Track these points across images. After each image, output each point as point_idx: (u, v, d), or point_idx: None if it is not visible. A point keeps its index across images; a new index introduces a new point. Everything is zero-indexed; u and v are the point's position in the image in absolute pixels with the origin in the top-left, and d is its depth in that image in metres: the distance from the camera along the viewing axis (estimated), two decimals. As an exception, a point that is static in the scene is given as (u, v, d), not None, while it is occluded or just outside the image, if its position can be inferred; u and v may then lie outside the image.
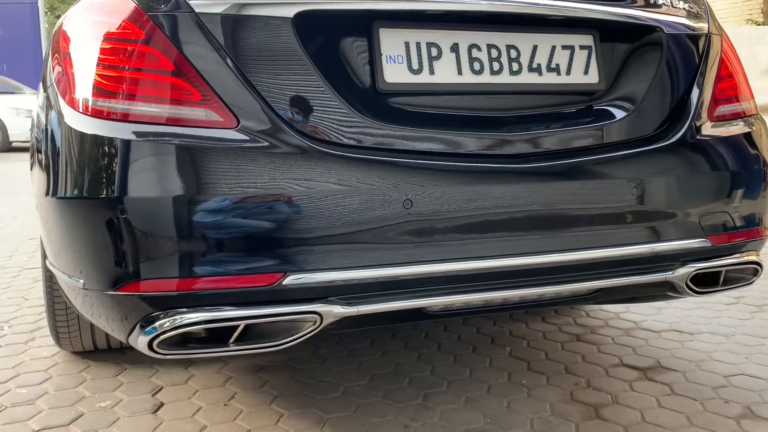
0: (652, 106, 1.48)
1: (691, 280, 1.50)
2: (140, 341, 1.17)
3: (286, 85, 1.21)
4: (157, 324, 1.15)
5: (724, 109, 1.57)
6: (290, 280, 1.16)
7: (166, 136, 1.15)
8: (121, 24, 1.20)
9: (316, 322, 1.20)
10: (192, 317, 1.15)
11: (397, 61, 1.30)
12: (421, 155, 1.27)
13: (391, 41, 1.30)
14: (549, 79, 1.41)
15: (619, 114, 1.46)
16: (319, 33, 1.25)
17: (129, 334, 1.20)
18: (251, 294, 1.16)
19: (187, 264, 1.15)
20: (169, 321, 1.15)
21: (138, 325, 1.17)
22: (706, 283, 1.55)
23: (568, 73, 1.43)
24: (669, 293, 1.54)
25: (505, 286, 1.32)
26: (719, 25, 1.68)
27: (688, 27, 1.55)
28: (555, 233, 1.34)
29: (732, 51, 1.69)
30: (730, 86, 1.62)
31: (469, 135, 1.32)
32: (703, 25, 1.58)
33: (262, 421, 1.64)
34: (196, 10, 1.18)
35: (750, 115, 1.64)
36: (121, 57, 1.17)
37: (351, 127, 1.24)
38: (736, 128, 1.59)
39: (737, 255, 1.55)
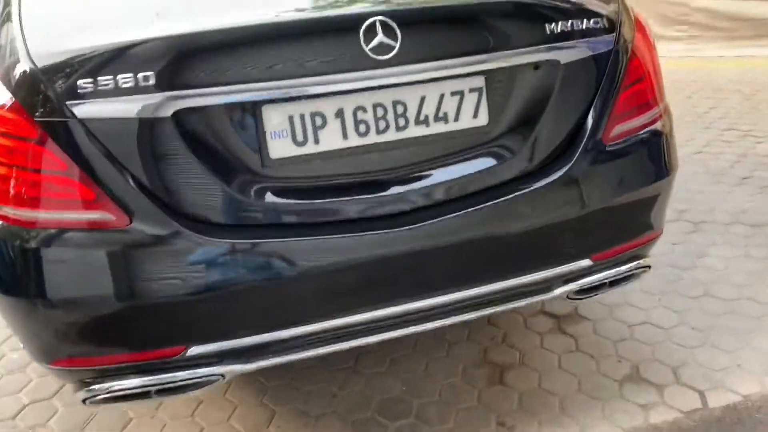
0: (543, 140, 1.51)
1: (573, 293, 1.66)
2: (78, 397, 1.41)
3: (173, 179, 1.29)
4: (87, 389, 1.38)
5: (622, 127, 1.59)
6: (192, 351, 1.36)
7: (69, 240, 1.27)
8: (8, 129, 1.26)
9: (223, 376, 1.42)
10: (114, 384, 1.37)
11: (282, 136, 1.35)
12: (309, 228, 1.38)
13: (275, 118, 1.33)
14: (437, 128, 1.44)
15: (508, 153, 1.50)
16: (199, 124, 1.29)
17: (74, 391, 1.44)
18: (161, 364, 1.37)
19: (103, 345, 1.35)
20: (97, 386, 1.38)
21: (75, 386, 1.41)
22: (592, 288, 1.71)
23: (456, 119, 1.46)
24: None
25: (391, 328, 1.50)
26: (631, 26, 1.63)
27: (587, 50, 1.51)
28: (448, 276, 1.48)
29: (646, 52, 1.66)
30: (634, 96, 1.62)
31: (356, 200, 1.40)
32: (606, 43, 1.54)
33: (214, 393, 1.94)
34: (81, 116, 1.23)
35: (654, 122, 1.66)
36: (12, 164, 1.26)
37: (240, 210, 1.34)
38: (635, 143, 1.62)
39: (620, 264, 1.69)
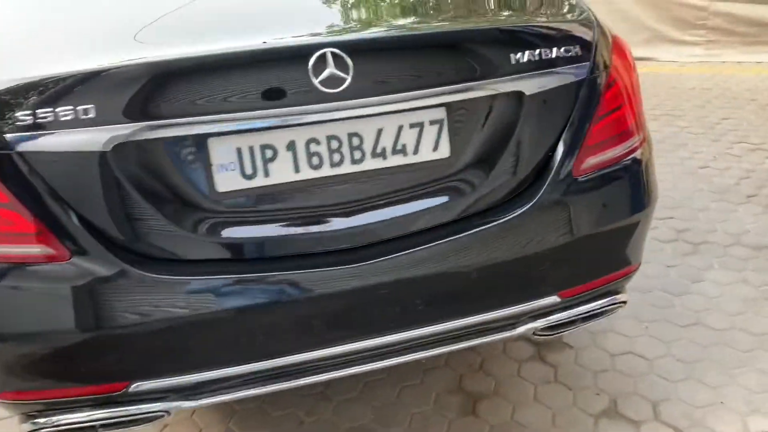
0: (507, 173, 1.45)
1: (542, 330, 1.60)
2: (23, 429, 1.39)
3: (114, 213, 1.26)
4: (32, 421, 1.37)
5: (595, 159, 1.52)
6: (135, 387, 1.33)
7: (8, 274, 1.25)
8: None
9: (168, 413, 1.39)
10: (60, 418, 1.35)
11: (229, 169, 1.31)
12: (257, 263, 1.34)
13: (222, 150, 1.29)
14: (395, 161, 1.39)
15: (470, 187, 1.44)
16: (141, 157, 1.26)
17: (20, 422, 1.42)
18: (105, 399, 1.34)
19: (46, 379, 1.32)
20: (42, 420, 1.36)
21: (21, 419, 1.39)
22: (562, 324, 1.64)
23: (415, 152, 1.40)
24: None
25: (343, 366, 1.46)
26: (609, 51, 1.56)
27: (555, 80, 1.45)
28: (404, 313, 1.44)
29: (625, 79, 1.59)
30: (610, 126, 1.55)
31: (308, 234, 1.36)
32: (577, 73, 1.47)
33: (178, 416, 1.92)
34: (21, 149, 1.21)
35: (632, 152, 1.59)
36: None
37: (183, 245, 1.31)
38: (610, 176, 1.55)
39: (592, 300, 1.62)
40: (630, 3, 5.37)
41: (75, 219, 1.25)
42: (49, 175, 1.23)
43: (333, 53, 1.27)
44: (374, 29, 1.36)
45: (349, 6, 1.46)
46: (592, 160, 1.53)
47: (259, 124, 1.29)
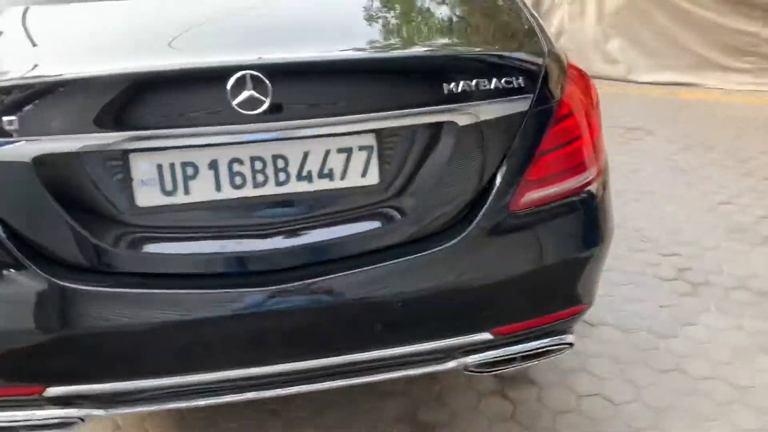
0: (438, 204, 1.42)
1: (477, 366, 1.55)
2: None
3: (34, 223, 1.30)
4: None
5: (537, 194, 1.47)
6: (50, 392, 1.36)
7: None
8: None
9: (83, 419, 1.42)
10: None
11: (149, 184, 1.33)
12: (173, 279, 1.35)
13: (143, 166, 1.31)
14: (321, 185, 1.38)
15: (399, 216, 1.41)
16: (63, 169, 1.29)
17: None
18: (23, 402, 1.38)
19: None
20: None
21: None
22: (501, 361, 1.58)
23: (343, 177, 1.38)
24: None
25: (261, 387, 1.45)
26: (562, 83, 1.50)
27: (492, 112, 1.40)
28: (323, 340, 1.42)
29: (581, 111, 1.53)
30: (558, 161, 1.49)
31: (225, 254, 1.36)
32: (518, 105, 1.42)
33: (130, 419, 1.95)
34: None
35: (583, 188, 1.53)
36: None
37: (102, 257, 1.33)
38: (555, 211, 1.49)
39: (533, 339, 1.56)
40: (676, 27, 5.18)
41: None
42: None
43: (252, 75, 1.27)
44: (300, 52, 1.36)
45: (282, 28, 1.46)
46: (533, 195, 1.47)
47: (179, 141, 1.31)
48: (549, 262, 1.51)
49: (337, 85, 1.35)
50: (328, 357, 1.41)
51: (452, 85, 1.37)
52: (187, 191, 1.35)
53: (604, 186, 1.60)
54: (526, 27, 1.61)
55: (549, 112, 1.47)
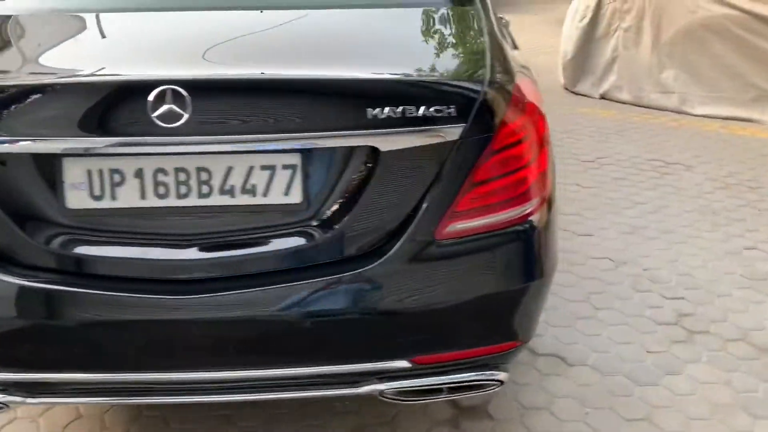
0: (359, 228, 1.41)
1: (395, 393, 1.52)
2: None
3: None
4: None
5: (465, 224, 1.44)
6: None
7: None
8: None
9: (7, 405, 1.49)
10: None
11: (80, 188, 1.39)
12: (94, 279, 1.41)
13: (74, 170, 1.38)
14: (243, 200, 1.41)
15: (319, 237, 1.42)
16: (2, 170, 1.38)
17: None
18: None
19: None
20: None
21: None
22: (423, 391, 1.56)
23: (265, 194, 1.40)
24: None
25: (173, 393, 1.49)
26: (502, 113, 1.46)
27: (419, 139, 1.38)
28: (232, 352, 1.45)
29: (524, 142, 1.49)
30: (491, 192, 1.46)
31: (146, 260, 1.41)
32: (447, 135, 1.40)
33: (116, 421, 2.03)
34: None
35: (518, 221, 1.48)
36: None
37: (32, 254, 1.41)
38: (484, 243, 1.46)
39: (459, 372, 1.52)
40: (736, 58, 4.91)
41: None
42: None
43: (172, 90, 1.31)
44: (224, 70, 1.40)
45: (214, 46, 1.51)
46: (461, 225, 1.45)
47: (108, 149, 1.37)
48: (475, 294, 1.48)
49: (260, 104, 1.38)
50: (234, 370, 1.44)
51: (376, 110, 1.37)
52: (114, 197, 1.41)
53: (547, 220, 1.55)
54: (478, 51, 1.59)
55: (484, 143, 1.44)
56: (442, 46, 1.66)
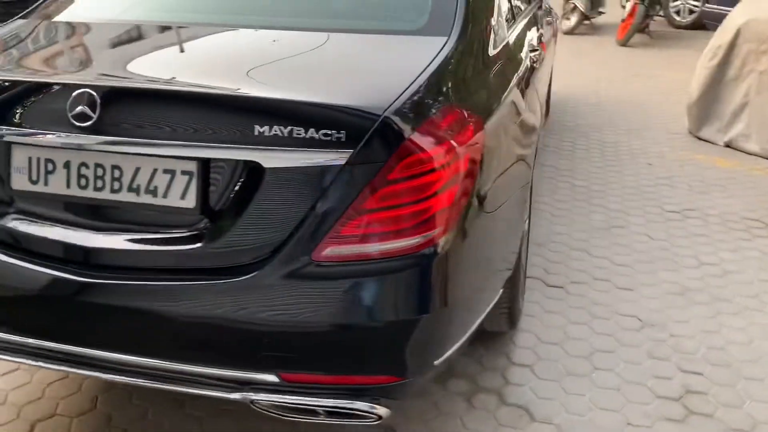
0: (239, 239, 1.47)
1: (269, 407, 1.55)
2: None
3: None
4: None
5: (347, 249, 1.44)
6: None
7: None
8: None
9: None
10: None
11: (22, 172, 1.61)
12: (21, 253, 1.61)
13: (19, 156, 1.60)
14: (146, 199, 1.53)
15: (206, 242, 1.50)
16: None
17: None
18: None
19: None
20: None
21: None
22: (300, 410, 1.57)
23: (165, 196, 1.51)
24: None
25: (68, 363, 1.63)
26: (394, 146, 1.44)
27: (303, 160, 1.41)
28: (115, 337, 1.57)
29: (429, 179, 1.46)
30: (378, 220, 1.45)
31: (61, 242, 1.59)
32: (334, 158, 1.41)
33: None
34: None
35: (407, 252, 1.46)
36: None
37: None
38: (366, 269, 1.46)
39: (332, 397, 1.52)
40: None
41: None
42: None
43: (87, 93, 1.48)
44: (134, 79, 1.54)
45: (140, 58, 1.67)
46: (343, 250, 1.46)
47: (42, 141, 1.57)
48: (347, 320, 1.48)
49: (163, 112, 1.50)
50: (113, 352, 1.56)
51: (264, 127, 1.44)
52: (46, 183, 1.60)
53: (448, 255, 1.50)
54: (402, 81, 1.58)
55: (374, 171, 1.45)
56: (364, 73, 1.68)
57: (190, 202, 1.52)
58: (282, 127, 1.43)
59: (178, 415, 2.11)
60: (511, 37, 2.36)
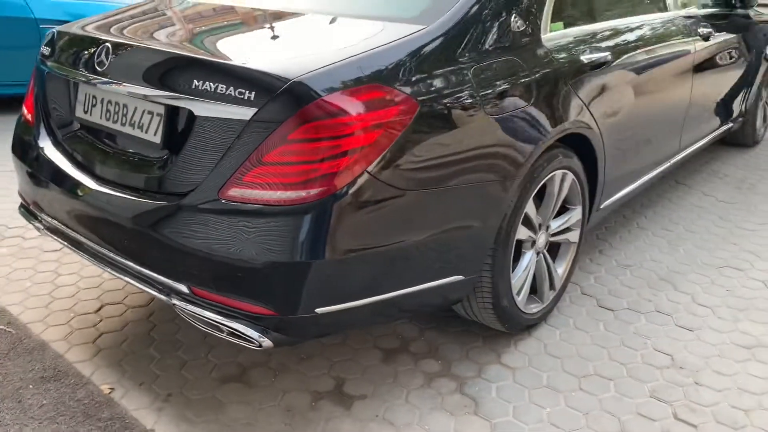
0: (176, 173, 1.83)
1: (190, 315, 1.89)
2: None
3: None
4: None
5: (246, 192, 1.68)
6: None
7: None
8: None
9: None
10: None
11: (81, 103, 2.19)
12: (74, 163, 2.19)
13: (81, 93, 2.18)
14: (136, 133, 1.97)
15: (159, 171, 1.89)
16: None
17: None
18: None
19: None
20: None
21: None
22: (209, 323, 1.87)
23: (146, 131, 1.94)
24: None
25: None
26: (294, 110, 1.66)
27: (219, 112, 1.72)
28: (103, 237, 2.05)
29: (326, 144, 1.67)
30: (273, 171, 1.68)
31: (87, 159, 2.13)
32: (242, 114, 1.69)
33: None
34: None
35: (292, 203, 1.67)
36: None
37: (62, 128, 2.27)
38: (262, 211, 1.69)
39: (220, 314, 1.80)
40: None
41: None
42: None
43: (106, 47, 1.99)
44: (136, 38, 1.99)
45: (156, 26, 2.12)
46: (243, 192, 1.73)
47: (92, 80, 2.12)
48: (237, 252, 1.73)
49: (147, 66, 1.94)
50: (100, 244, 2.05)
51: (200, 82, 1.79)
52: (90, 114, 2.16)
53: (332, 215, 1.70)
54: (336, 52, 1.80)
55: (272, 129, 1.70)
56: (311, 47, 1.95)
57: (158, 138, 1.94)
58: (211, 83, 1.77)
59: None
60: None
